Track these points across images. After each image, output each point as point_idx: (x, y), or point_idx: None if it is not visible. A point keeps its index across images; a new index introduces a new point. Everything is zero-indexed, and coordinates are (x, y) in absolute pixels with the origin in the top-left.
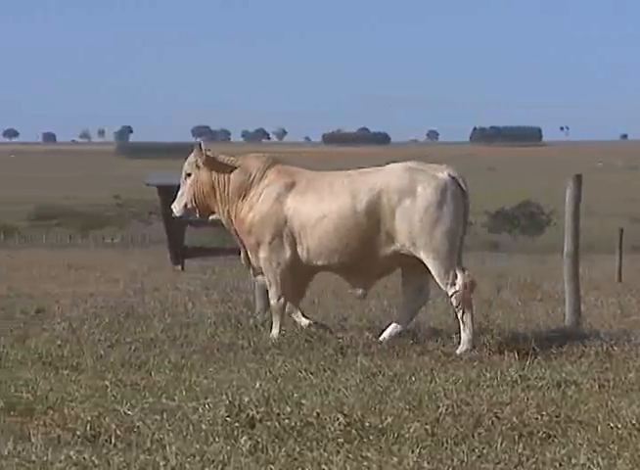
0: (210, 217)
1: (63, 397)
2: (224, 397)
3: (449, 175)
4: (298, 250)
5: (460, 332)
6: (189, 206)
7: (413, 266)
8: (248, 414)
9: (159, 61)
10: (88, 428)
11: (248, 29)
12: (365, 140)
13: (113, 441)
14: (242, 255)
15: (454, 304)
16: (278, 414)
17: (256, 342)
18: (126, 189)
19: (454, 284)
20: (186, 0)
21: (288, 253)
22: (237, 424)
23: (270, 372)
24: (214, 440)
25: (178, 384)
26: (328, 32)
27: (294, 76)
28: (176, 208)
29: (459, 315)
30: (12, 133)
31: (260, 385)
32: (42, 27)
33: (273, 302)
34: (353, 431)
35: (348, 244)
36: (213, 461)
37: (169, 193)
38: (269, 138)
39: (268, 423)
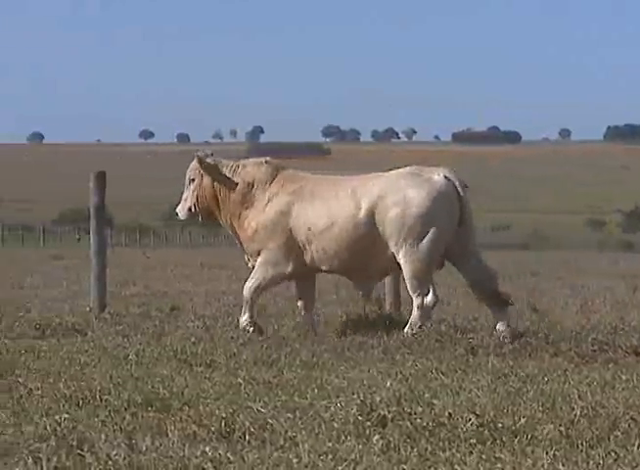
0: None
1: (197, 393)
2: (355, 395)
3: (445, 178)
4: (304, 256)
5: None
6: (192, 210)
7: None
8: (379, 413)
9: (288, 62)
10: (223, 425)
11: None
12: (496, 139)
13: (246, 438)
14: (245, 259)
15: (413, 315)
16: (410, 414)
17: (386, 341)
18: None
19: (423, 296)
20: None
21: (290, 263)
22: (369, 423)
23: (401, 372)
24: (346, 438)
25: (310, 382)
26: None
27: (424, 75)
28: (181, 211)
29: (412, 321)
30: (147, 134)
31: (391, 384)
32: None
33: (247, 291)
34: (486, 432)
35: (351, 249)
36: (345, 460)
37: None
38: (399, 137)
39: (400, 423)
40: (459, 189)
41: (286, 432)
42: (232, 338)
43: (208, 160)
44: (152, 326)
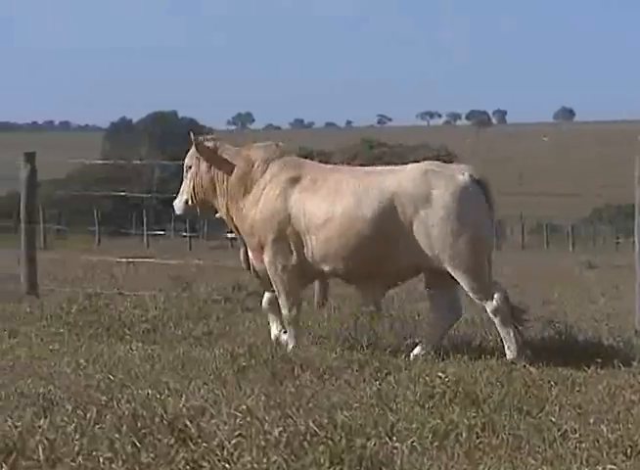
0: (216, 215)
1: None
2: None
3: (470, 177)
4: (305, 251)
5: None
6: (190, 203)
7: (435, 278)
8: None
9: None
10: None
11: None
12: None
13: None
14: (241, 254)
15: (495, 320)
16: None
17: None
18: None
19: (491, 298)
20: None
21: (294, 255)
22: None
23: None
24: None
25: None
26: None
27: None
28: (177, 205)
29: (501, 332)
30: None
31: None
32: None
33: (284, 312)
34: None
35: (355, 250)
36: None
37: None
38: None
39: None
40: (486, 188)
41: None
42: None
43: (206, 143)
44: None
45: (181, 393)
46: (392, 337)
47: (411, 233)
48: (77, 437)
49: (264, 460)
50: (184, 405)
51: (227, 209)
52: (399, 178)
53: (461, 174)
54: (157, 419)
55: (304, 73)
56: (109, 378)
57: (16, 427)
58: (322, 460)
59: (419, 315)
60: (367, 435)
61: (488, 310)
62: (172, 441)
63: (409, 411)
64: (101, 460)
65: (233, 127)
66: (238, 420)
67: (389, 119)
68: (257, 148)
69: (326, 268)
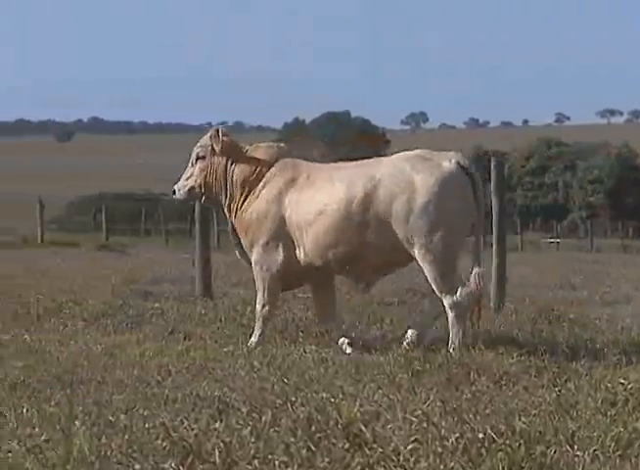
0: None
1: None
2: None
3: (457, 164)
4: (297, 252)
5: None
6: (196, 190)
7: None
8: None
9: None
10: None
11: None
12: None
13: None
14: (237, 252)
15: (449, 314)
16: None
17: None
18: None
19: (453, 292)
20: None
21: (280, 257)
22: None
23: None
24: None
25: None
26: None
27: None
28: (180, 191)
29: (450, 327)
30: None
31: None
32: None
33: (258, 307)
34: None
35: (345, 239)
36: None
37: None
38: None
39: None
40: (473, 177)
41: None
42: None
43: (225, 138)
44: None
45: (355, 397)
46: (572, 341)
47: (394, 217)
48: (253, 440)
49: (441, 467)
50: (358, 410)
51: (229, 206)
52: (385, 165)
53: (447, 161)
54: (331, 423)
55: (479, 72)
56: (283, 381)
57: (192, 429)
58: (500, 468)
59: (599, 320)
60: (547, 442)
61: (445, 304)
62: (347, 445)
63: (590, 419)
64: (276, 464)
65: (406, 127)
66: (413, 425)
67: (567, 118)
68: (260, 149)
69: (318, 262)
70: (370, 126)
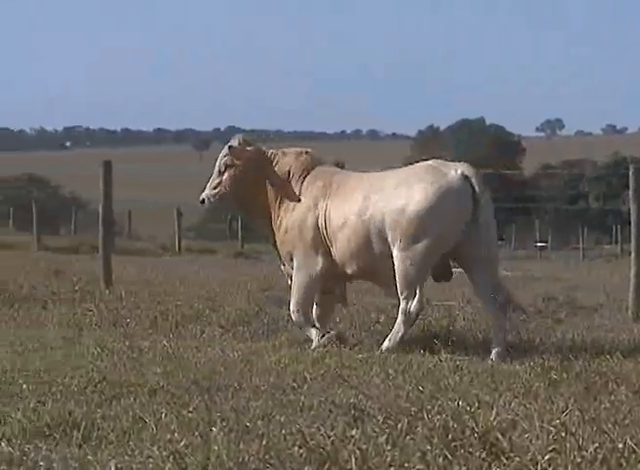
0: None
1: None
2: None
3: (462, 175)
4: (331, 257)
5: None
6: (227, 199)
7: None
8: None
9: None
10: None
11: None
12: None
13: None
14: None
15: (398, 317)
16: None
17: None
18: None
19: (409, 300)
20: None
21: (320, 265)
22: None
23: None
24: None
25: None
26: None
27: None
28: (210, 199)
29: (395, 326)
30: None
31: None
32: None
33: (294, 316)
34: None
35: (366, 249)
36: None
37: None
38: None
39: None
40: (476, 188)
41: None
42: None
43: (248, 148)
44: None
45: (491, 405)
46: None
47: (388, 224)
48: (389, 447)
49: None
50: (495, 419)
51: (262, 216)
52: (399, 175)
53: (454, 171)
54: (467, 432)
55: (617, 77)
56: (418, 389)
57: (328, 437)
58: None
59: None
60: None
61: (400, 308)
62: (484, 454)
63: None
64: None
65: (542, 134)
66: (551, 435)
67: None
68: (290, 156)
69: (348, 270)
70: (505, 133)
